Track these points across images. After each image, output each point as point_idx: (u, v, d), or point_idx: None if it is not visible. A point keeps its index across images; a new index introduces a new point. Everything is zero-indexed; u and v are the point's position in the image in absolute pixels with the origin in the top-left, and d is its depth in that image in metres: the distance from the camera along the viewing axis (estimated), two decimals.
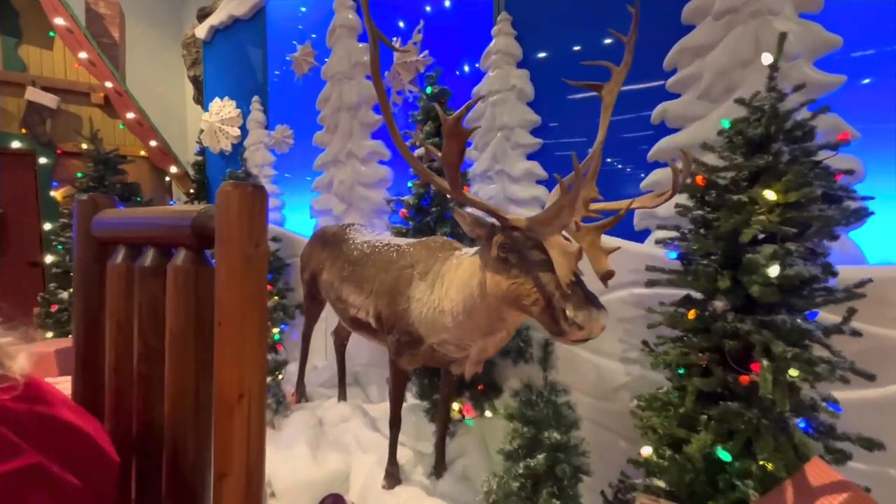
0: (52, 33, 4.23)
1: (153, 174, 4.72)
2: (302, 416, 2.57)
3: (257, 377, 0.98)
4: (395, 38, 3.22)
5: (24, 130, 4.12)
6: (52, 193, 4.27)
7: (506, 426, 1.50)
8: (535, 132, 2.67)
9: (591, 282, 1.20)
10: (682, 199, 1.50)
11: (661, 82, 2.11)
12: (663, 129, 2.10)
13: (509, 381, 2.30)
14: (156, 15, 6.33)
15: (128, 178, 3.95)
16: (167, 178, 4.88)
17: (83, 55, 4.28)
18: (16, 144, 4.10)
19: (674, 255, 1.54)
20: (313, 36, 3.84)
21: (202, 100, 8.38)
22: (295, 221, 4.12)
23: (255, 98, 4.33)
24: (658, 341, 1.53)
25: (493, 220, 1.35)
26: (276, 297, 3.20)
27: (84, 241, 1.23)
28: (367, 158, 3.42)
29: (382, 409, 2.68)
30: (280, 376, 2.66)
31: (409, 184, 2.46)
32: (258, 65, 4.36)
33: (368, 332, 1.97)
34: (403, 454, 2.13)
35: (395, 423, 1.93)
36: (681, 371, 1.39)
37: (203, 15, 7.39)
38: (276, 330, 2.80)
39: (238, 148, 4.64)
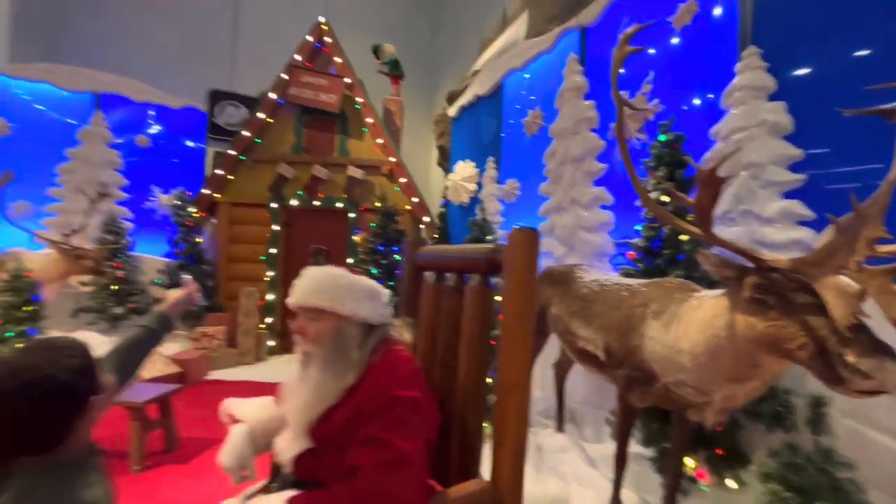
0: (364, 129, 6.16)
1: (413, 223, 6.12)
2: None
3: (526, 371, 1.28)
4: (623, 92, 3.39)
5: (344, 195, 6.06)
6: (354, 238, 6.05)
7: (755, 499, 1.35)
8: (796, 167, 2.35)
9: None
10: None
11: None
12: None
13: (758, 449, 1.99)
14: (415, 102, 8.32)
15: (399, 226, 5.27)
16: (421, 226, 6.22)
17: (379, 140, 6.06)
18: (339, 205, 6.06)
19: None
20: (531, 97, 4.39)
21: (445, 164, 10.33)
22: None
23: (490, 158, 5.17)
24: None
25: (744, 262, 1.33)
26: None
27: (409, 268, 1.85)
28: (589, 204, 3.62)
29: (599, 450, 2.68)
30: None
31: (638, 227, 2.52)
32: (494, 131, 5.22)
33: (595, 364, 2.09)
34: (627, 498, 2.09)
35: (620, 460, 1.96)
36: None
37: (451, 97, 9.26)
38: None
39: (475, 201, 5.56)
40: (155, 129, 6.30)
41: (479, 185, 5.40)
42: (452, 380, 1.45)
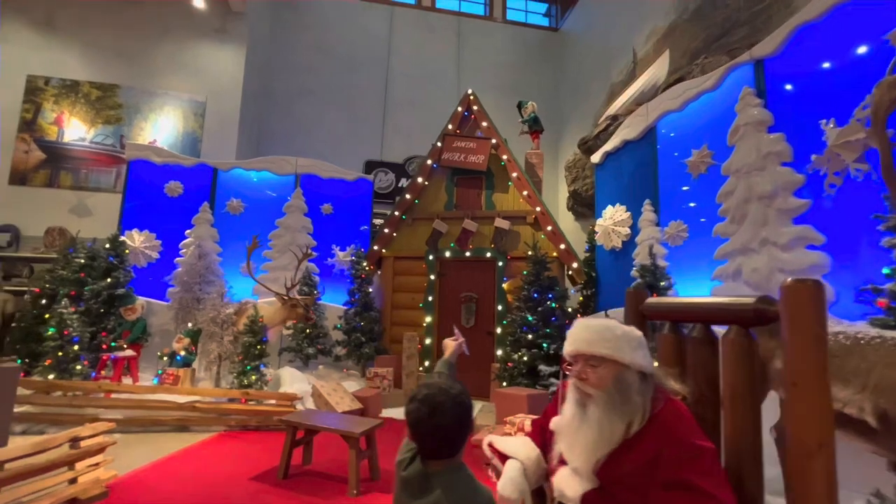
0: (510, 182, 6.58)
1: (560, 269, 6.16)
2: None
3: (830, 429, 1.22)
4: (827, 121, 3.09)
5: (492, 245, 6.44)
6: (504, 285, 6.31)
7: None
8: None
9: None
10: None
11: None
12: None
13: None
14: (546, 151, 8.54)
15: (552, 273, 5.36)
16: (569, 272, 6.22)
17: (525, 192, 6.38)
18: (488, 254, 6.45)
19: None
20: (692, 137, 4.20)
21: (579, 209, 10.26)
22: None
23: (647, 201, 5.02)
24: None
25: None
26: None
27: (634, 316, 1.91)
28: (790, 245, 3.26)
29: None
30: None
31: (886, 270, 2.19)
32: (649, 174, 5.10)
33: (858, 431, 1.82)
34: None
35: None
36: None
37: (583, 143, 9.32)
38: None
39: (628, 245, 5.41)
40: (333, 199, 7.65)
41: (636, 228, 5.25)
42: (712, 434, 1.43)
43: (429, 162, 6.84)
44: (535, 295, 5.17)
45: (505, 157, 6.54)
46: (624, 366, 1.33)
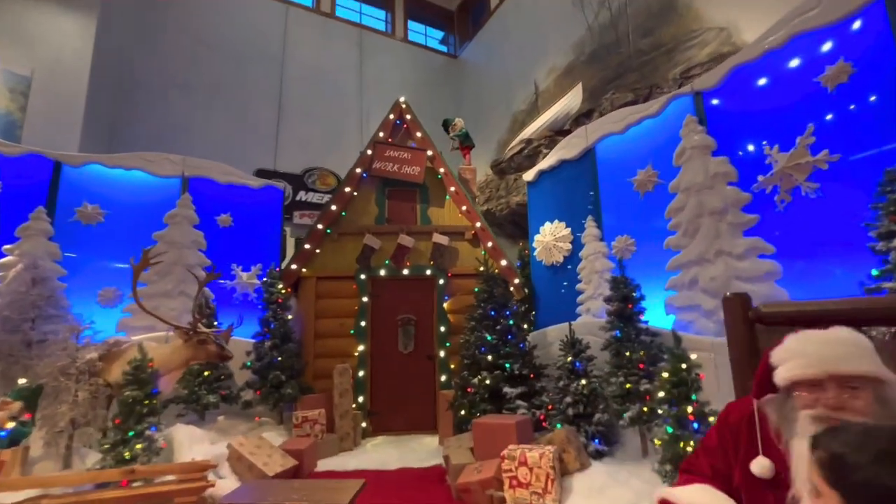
0: (447, 196, 6.29)
1: (503, 285, 6.05)
2: None
3: None
4: (770, 146, 3.55)
5: (431, 262, 6.02)
6: (444, 305, 5.91)
7: None
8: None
9: None
10: None
11: None
12: None
13: None
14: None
15: (507, 290, 5.18)
16: (511, 288, 6.15)
17: (464, 207, 6.16)
18: (428, 272, 5.99)
19: None
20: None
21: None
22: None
23: (590, 217, 5.25)
24: None
25: None
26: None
27: (741, 324, 1.73)
28: (744, 255, 3.62)
29: None
30: None
31: (875, 272, 2.48)
32: (589, 191, 5.36)
33: None
34: None
35: None
36: None
37: (496, 164, 9.62)
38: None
39: (570, 260, 5.56)
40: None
41: (576, 244, 5.43)
42: None
43: (358, 171, 6.17)
44: (493, 312, 4.90)
45: (442, 169, 6.27)
46: (882, 382, 1.09)
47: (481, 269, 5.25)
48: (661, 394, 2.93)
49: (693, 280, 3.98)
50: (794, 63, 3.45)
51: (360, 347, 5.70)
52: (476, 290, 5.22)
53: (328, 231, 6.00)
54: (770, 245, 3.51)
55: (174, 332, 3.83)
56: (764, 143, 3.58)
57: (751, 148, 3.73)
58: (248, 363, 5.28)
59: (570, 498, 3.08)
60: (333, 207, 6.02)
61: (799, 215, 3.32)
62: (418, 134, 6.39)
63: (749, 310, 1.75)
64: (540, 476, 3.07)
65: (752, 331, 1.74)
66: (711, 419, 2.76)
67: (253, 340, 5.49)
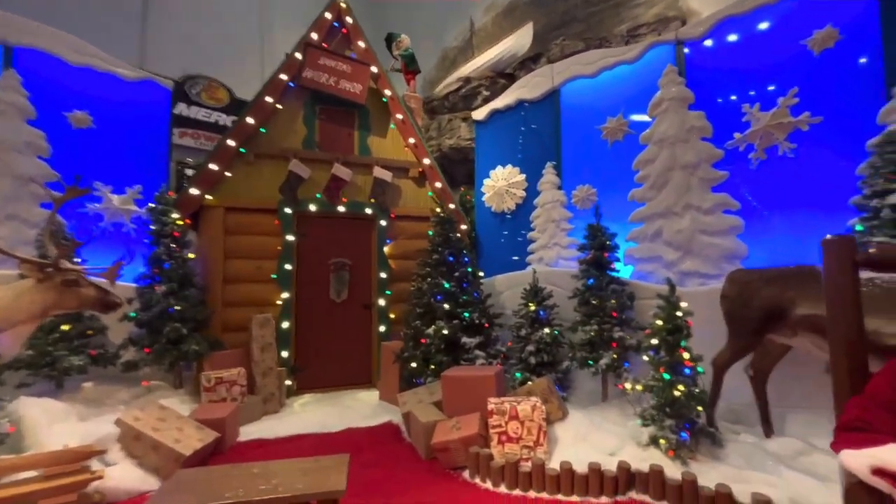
0: (392, 125, 5.44)
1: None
2: (744, 448, 2.73)
3: None
4: (751, 105, 3.62)
5: (371, 199, 5.23)
6: (385, 249, 5.25)
7: None
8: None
9: None
10: None
11: None
12: None
13: None
14: None
15: (456, 234, 4.73)
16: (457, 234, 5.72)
17: (411, 140, 5.41)
18: (368, 211, 5.20)
19: None
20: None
21: None
22: None
23: (550, 164, 5.03)
24: None
25: None
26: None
27: (841, 266, 1.58)
28: (711, 210, 3.74)
29: (789, 445, 2.71)
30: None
31: (860, 227, 2.65)
32: (551, 137, 5.10)
33: None
34: None
35: None
36: None
37: (428, 102, 8.82)
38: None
39: (522, 207, 5.34)
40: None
41: (532, 191, 5.20)
42: None
43: (283, 77, 4.91)
44: (451, 258, 4.46)
45: (387, 92, 5.36)
46: None
47: (438, 210, 4.70)
48: (654, 341, 2.90)
49: (657, 232, 4.05)
50: (783, 22, 3.49)
51: (284, 295, 4.79)
52: (430, 233, 4.68)
53: (242, 150, 4.75)
54: (736, 201, 3.66)
55: (22, 268, 2.54)
56: (745, 104, 3.64)
57: (727, 102, 3.78)
58: (133, 314, 4.02)
59: (558, 448, 2.96)
60: (250, 120, 4.74)
61: (770, 174, 3.50)
62: (361, 44, 5.32)
63: (856, 253, 1.63)
64: (532, 429, 2.86)
65: (856, 275, 1.63)
66: (700, 367, 2.82)
67: (136, 285, 4.19)
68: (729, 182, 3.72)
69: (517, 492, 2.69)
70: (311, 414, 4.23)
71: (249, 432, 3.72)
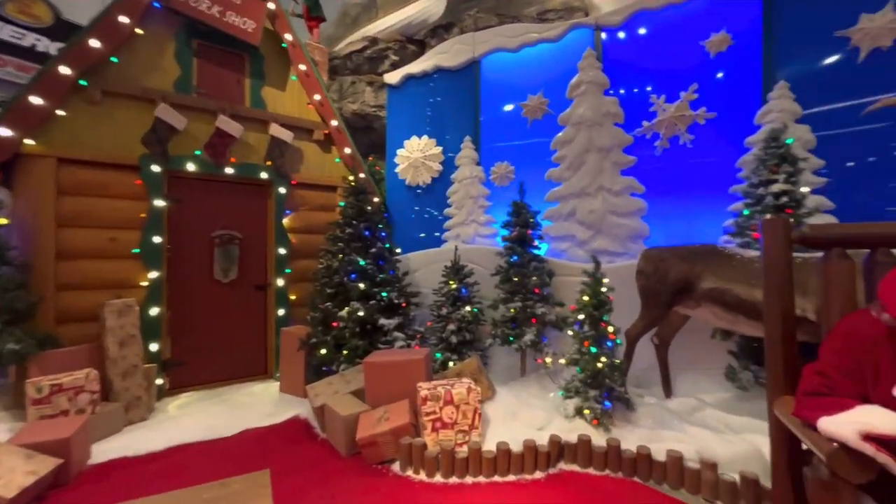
0: (293, 77, 4.64)
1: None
2: (652, 410, 2.99)
3: None
4: (658, 96, 3.89)
5: (268, 162, 4.43)
6: (284, 221, 4.54)
7: None
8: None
9: None
10: None
11: None
12: None
13: None
14: None
15: (371, 206, 4.30)
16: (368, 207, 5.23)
17: (317, 97, 4.71)
18: (263, 175, 4.40)
19: None
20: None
21: None
22: None
23: (468, 138, 4.86)
24: None
25: None
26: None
27: (778, 244, 1.72)
28: (620, 192, 3.99)
29: (686, 404, 3.11)
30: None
31: (746, 211, 3.02)
32: (469, 108, 4.92)
33: (805, 327, 2.42)
34: None
35: None
36: None
37: (328, 60, 7.95)
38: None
39: (438, 181, 5.11)
40: None
41: (448, 165, 5.00)
42: None
43: None
44: (367, 233, 4.03)
45: (288, 36, 4.56)
46: None
47: (350, 178, 4.19)
48: (581, 316, 2.98)
49: (571, 212, 4.20)
50: (687, 22, 3.81)
51: (152, 275, 3.83)
52: (342, 203, 4.17)
53: (82, 82, 3.56)
54: (641, 185, 3.96)
55: None
56: (653, 95, 3.91)
57: (636, 91, 4.03)
58: None
59: (490, 428, 2.88)
60: (94, 43, 3.56)
61: (671, 161, 3.84)
62: None
63: (791, 232, 1.76)
64: (467, 413, 2.72)
65: (791, 254, 1.76)
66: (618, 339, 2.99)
67: None
68: (636, 167, 4.00)
69: (454, 479, 2.54)
70: (192, 417, 3.49)
71: (107, 451, 2.89)
